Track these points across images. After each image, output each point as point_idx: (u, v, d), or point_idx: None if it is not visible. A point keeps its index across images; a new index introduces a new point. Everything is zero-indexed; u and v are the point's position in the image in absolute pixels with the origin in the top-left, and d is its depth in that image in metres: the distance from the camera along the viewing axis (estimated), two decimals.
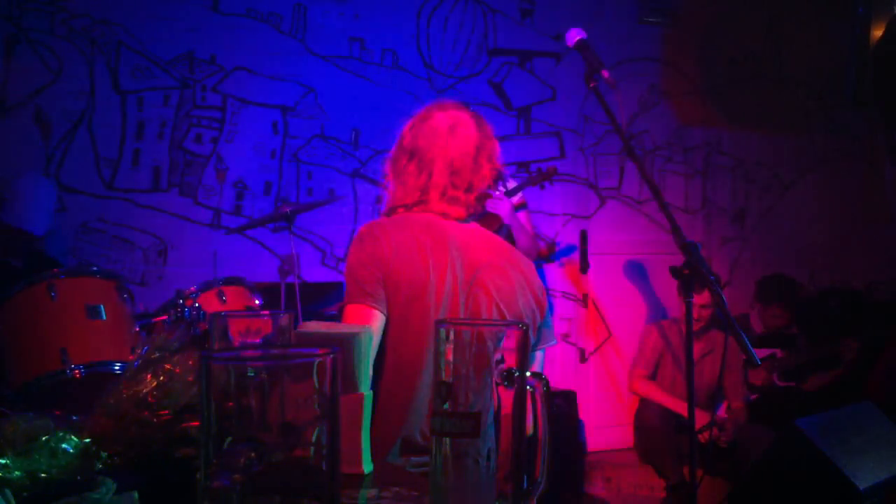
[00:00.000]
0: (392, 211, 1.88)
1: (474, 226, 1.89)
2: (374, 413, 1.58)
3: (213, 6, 4.04)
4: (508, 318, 1.81)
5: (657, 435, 3.84)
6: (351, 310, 1.77)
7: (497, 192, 3.35)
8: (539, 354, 1.90)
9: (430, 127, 1.85)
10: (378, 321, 1.74)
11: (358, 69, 4.29)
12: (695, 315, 4.02)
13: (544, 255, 4.71)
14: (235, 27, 4.08)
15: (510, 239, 3.45)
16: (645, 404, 3.99)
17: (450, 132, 1.84)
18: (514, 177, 3.73)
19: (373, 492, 0.98)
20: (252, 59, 4.10)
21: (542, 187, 3.75)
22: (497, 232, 3.39)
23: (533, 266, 1.96)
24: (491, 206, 3.27)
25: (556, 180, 4.72)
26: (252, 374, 0.55)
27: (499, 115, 4.61)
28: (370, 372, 1.13)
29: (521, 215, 3.51)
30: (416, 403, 1.75)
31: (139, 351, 1.12)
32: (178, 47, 3.98)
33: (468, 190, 1.84)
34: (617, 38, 4.85)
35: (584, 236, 4.79)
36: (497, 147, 1.92)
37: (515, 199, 3.46)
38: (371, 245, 1.79)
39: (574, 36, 2.22)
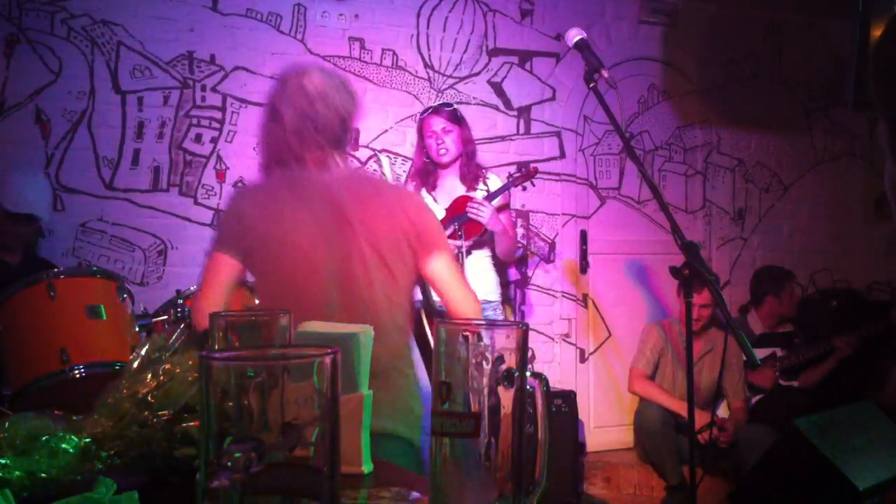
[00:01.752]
0: (266, 168, 1.99)
1: (342, 171, 1.98)
2: None
3: (212, 6, 4.04)
4: (379, 247, 1.90)
5: (657, 435, 3.84)
6: (209, 260, 1.96)
7: (480, 198, 3.37)
8: (443, 261, 1.95)
9: (290, 89, 1.95)
10: (230, 268, 1.92)
11: (358, 69, 4.29)
12: (694, 315, 4.02)
13: (545, 257, 4.71)
14: (235, 27, 4.08)
15: (492, 243, 3.47)
16: (645, 404, 3.99)
17: (306, 90, 1.94)
18: (510, 176, 3.72)
19: (373, 492, 0.98)
20: (252, 59, 4.10)
21: (524, 188, 3.76)
22: (481, 237, 3.42)
23: (406, 190, 2.06)
24: (474, 213, 3.30)
25: (556, 180, 4.73)
26: (252, 374, 0.56)
27: (499, 115, 4.61)
28: (367, 369, 1.13)
29: (505, 216, 3.52)
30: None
31: (139, 351, 1.12)
32: (178, 47, 3.98)
33: (332, 141, 1.94)
34: (617, 38, 4.86)
35: (584, 236, 4.79)
36: (352, 94, 2.01)
37: (499, 200, 3.48)
38: (235, 209, 1.97)
39: (574, 36, 2.23)
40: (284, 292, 1.91)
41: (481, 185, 3.51)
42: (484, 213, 3.30)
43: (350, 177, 1.99)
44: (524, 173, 3.68)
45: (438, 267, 1.95)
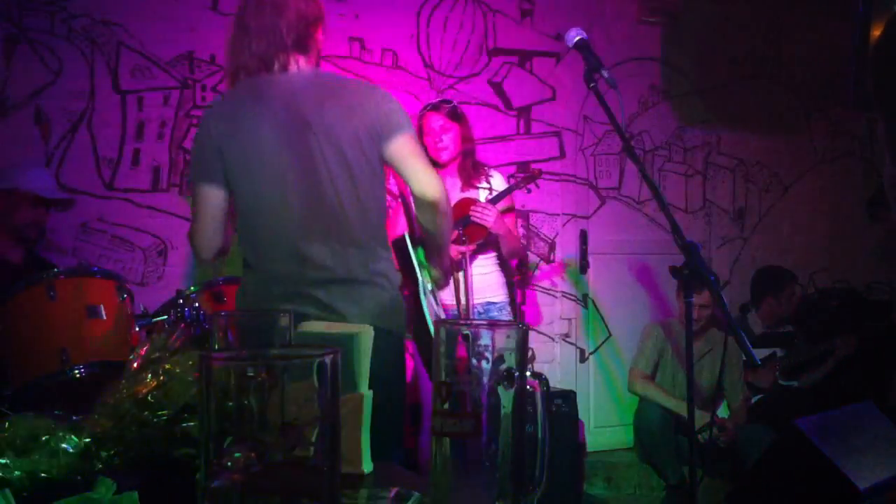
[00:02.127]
0: (234, 77, 2.05)
1: (305, 74, 2.03)
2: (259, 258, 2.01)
3: (213, 6, 4.04)
4: (341, 150, 1.93)
5: (657, 435, 3.84)
6: (194, 193, 2.02)
7: (482, 202, 3.31)
8: (399, 142, 1.97)
9: (252, 3, 2.04)
10: (216, 197, 2.00)
11: (358, 69, 4.29)
12: (694, 315, 4.02)
13: (545, 257, 4.71)
14: None
15: (497, 245, 3.43)
16: (645, 404, 3.99)
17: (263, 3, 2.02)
18: (512, 177, 3.67)
19: (373, 492, 0.98)
20: None
21: (529, 191, 3.72)
22: (486, 240, 3.38)
23: (369, 84, 2.15)
24: (478, 216, 3.25)
25: (556, 180, 4.73)
26: (252, 374, 0.56)
27: (499, 115, 4.61)
28: (367, 369, 1.13)
29: (509, 218, 3.48)
30: (290, 234, 1.96)
31: (139, 351, 1.12)
32: (178, 47, 3.98)
33: (295, 43, 2.01)
34: (617, 38, 4.85)
35: (584, 236, 4.79)
36: (315, 1, 2.09)
37: (503, 203, 3.42)
38: (205, 131, 2.03)
39: (574, 36, 2.23)
40: (257, 206, 1.99)
41: (484, 184, 3.45)
42: (489, 217, 3.24)
43: (312, 78, 2.02)
44: (528, 175, 3.63)
45: (396, 148, 1.97)
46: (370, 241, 1.99)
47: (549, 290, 4.71)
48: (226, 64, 2.07)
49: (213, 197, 1.99)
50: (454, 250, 3.15)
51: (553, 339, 4.71)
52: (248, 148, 1.96)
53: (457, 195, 3.35)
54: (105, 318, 2.31)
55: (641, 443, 4.03)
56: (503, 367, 0.72)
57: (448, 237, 2.15)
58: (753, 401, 4.20)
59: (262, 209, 1.99)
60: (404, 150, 1.98)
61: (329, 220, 1.96)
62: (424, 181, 1.98)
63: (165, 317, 2.53)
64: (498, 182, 3.47)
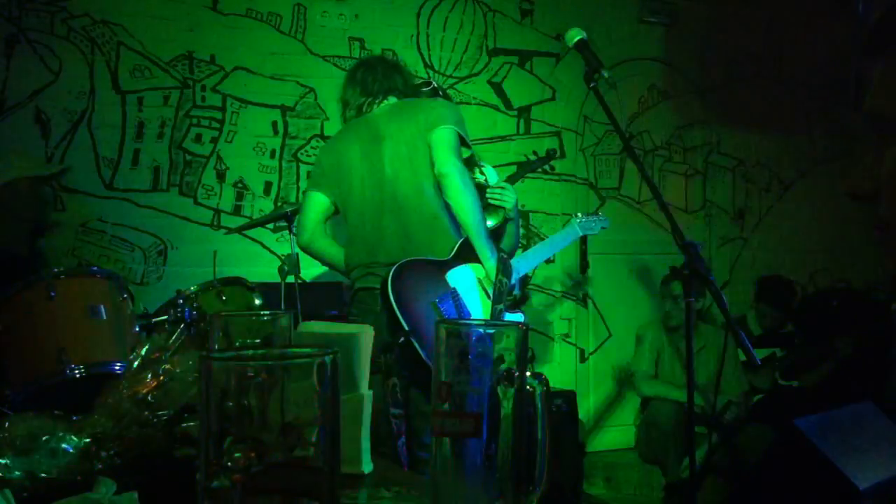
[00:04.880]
0: (355, 111, 2.67)
1: (391, 105, 2.57)
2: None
3: (212, 6, 4.04)
4: (406, 147, 2.44)
5: (669, 430, 3.84)
6: (306, 195, 2.67)
7: (499, 182, 3.09)
8: (437, 133, 2.41)
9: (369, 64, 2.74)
10: (318, 203, 2.60)
11: None
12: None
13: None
14: (235, 27, 4.08)
15: (510, 234, 3.27)
16: (658, 402, 3.98)
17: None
18: (527, 160, 3.40)
19: (373, 492, 0.98)
20: (252, 59, 4.10)
21: (546, 172, 3.59)
22: (503, 224, 3.16)
23: (438, 101, 2.61)
24: (496, 198, 2.90)
25: (556, 180, 4.73)
26: (252, 374, 0.56)
27: (499, 115, 4.61)
28: (367, 369, 1.13)
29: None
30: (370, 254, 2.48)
31: (139, 351, 1.12)
32: (178, 47, 3.98)
33: (393, 90, 2.62)
34: (617, 38, 4.85)
35: (584, 236, 4.77)
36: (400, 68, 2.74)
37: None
38: (321, 153, 2.73)
39: (574, 36, 2.23)
40: (345, 208, 2.54)
41: (478, 174, 3.32)
42: (508, 198, 2.87)
43: (395, 106, 2.56)
44: (541, 157, 3.48)
45: (433, 136, 2.42)
46: (433, 220, 2.41)
47: (549, 290, 4.71)
48: (343, 101, 2.69)
49: (314, 200, 2.59)
50: None
51: (553, 339, 4.70)
52: (341, 165, 2.54)
53: None
54: (105, 318, 2.30)
55: (650, 439, 4.02)
56: (503, 367, 0.72)
57: (469, 217, 2.41)
58: (753, 401, 4.20)
59: (348, 210, 2.54)
60: (437, 138, 2.42)
61: (395, 212, 2.40)
62: (439, 160, 2.39)
63: (165, 317, 2.52)
64: (490, 174, 3.20)
